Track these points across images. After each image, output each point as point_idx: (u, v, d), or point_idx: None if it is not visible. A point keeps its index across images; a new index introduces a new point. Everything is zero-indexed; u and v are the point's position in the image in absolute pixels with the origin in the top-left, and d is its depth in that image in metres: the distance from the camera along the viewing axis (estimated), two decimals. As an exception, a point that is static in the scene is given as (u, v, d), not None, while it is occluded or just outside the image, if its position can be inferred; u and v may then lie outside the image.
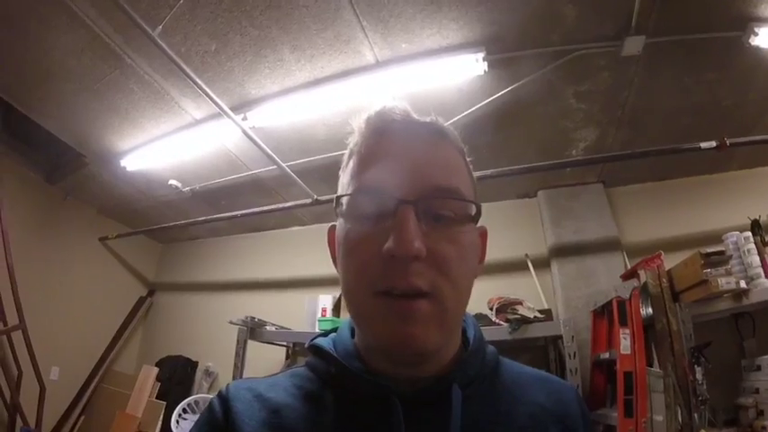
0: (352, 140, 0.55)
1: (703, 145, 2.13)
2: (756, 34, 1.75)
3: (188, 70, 1.83)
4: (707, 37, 1.81)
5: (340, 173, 0.56)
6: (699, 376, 1.69)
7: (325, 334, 0.61)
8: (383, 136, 0.52)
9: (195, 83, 1.87)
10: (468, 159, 0.56)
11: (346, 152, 0.56)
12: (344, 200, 0.51)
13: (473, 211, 0.51)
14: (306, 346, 0.60)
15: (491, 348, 0.59)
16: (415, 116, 0.55)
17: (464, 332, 0.58)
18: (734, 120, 2.29)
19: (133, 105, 2.29)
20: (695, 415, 1.65)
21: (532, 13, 1.74)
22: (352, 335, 0.57)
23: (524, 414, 0.53)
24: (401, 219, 0.46)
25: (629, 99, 2.16)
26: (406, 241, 0.44)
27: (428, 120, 0.55)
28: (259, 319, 2.37)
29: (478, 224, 0.53)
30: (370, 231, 0.48)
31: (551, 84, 2.04)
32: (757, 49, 1.80)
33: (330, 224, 0.58)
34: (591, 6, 1.72)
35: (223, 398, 0.54)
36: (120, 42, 1.93)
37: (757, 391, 1.84)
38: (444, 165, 0.51)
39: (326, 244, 0.59)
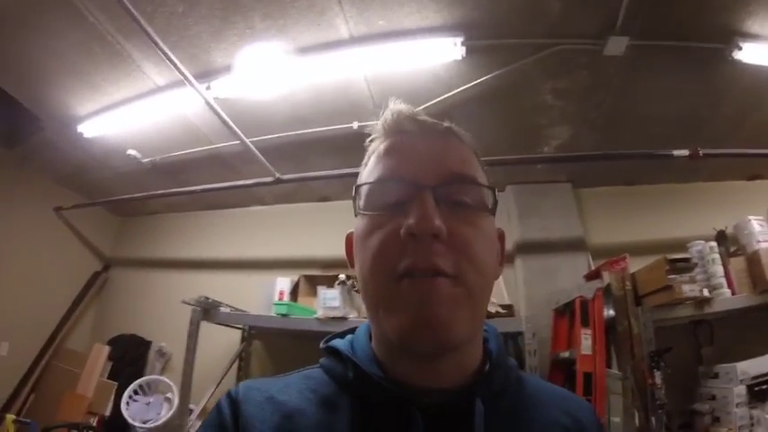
0: (371, 144, 0.57)
1: (676, 152, 2.14)
2: (740, 48, 1.75)
3: (151, 32, 1.71)
4: (690, 45, 1.80)
5: (358, 176, 0.57)
6: (658, 380, 1.69)
7: (341, 335, 0.60)
8: (399, 134, 0.54)
9: (158, 46, 1.75)
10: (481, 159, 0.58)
11: (365, 155, 0.58)
12: (363, 190, 0.52)
13: (490, 201, 0.52)
14: (321, 347, 0.58)
15: (513, 361, 0.58)
16: (428, 118, 0.56)
17: (485, 343, 0.56)
18: (708, 131, 2.30)
19: (94, 67, 2.14)
20: (653, 418, 1.66)
21: (517, 1, 1.69)
22: (369, 339, 0.56)
23: None
24: (420, 200, 0.46)
25: (606, 101, 2.14)
26: (426, 217, 0.44)
27: (441, 122, 0.57)
28: (214, 300, 2.27)
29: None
30: (389, 217, 0.48)
31: (529, 77, 1.99)
32: (739, 63, 1.80)
33: (348, 231, 0.58)
34: (577, 1, 1.68)
35: (233, 399, 0.52)
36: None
37: (714, 398, 1.88)
38: (458, 155, 0.53)
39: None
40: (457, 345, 0.47)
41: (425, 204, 0.45)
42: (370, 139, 0.58)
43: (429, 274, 0.44)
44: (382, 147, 0.54)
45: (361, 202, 0.52)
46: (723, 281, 1.92)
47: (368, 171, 0.55)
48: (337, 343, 0.56)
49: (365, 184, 0.52)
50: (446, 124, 0.56)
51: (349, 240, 0.57)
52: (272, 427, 0.48)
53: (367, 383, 0.50)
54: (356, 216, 0.53)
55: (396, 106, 0.56)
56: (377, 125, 0.56)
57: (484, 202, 0.51)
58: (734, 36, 1.75)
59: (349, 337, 0.58)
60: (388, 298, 0.47)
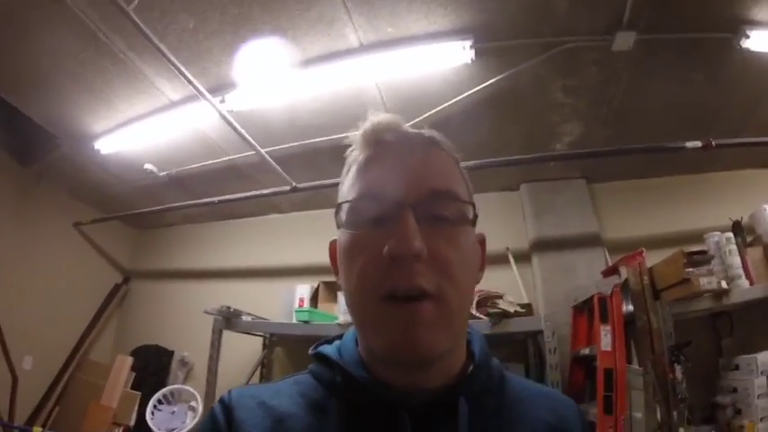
0: (351, 154, 0.57)
1: (688, 144, 2.12)
2: (748, 37, 1.74)
3: (163, 48, 1.74)
4: (698, 37, 1.79)
5: (339, 186, 0.58)
6: (678, 374, 1.69)
7: (329, 342, 0.61)
8: (379, 146, 0.54)
9: (171, 62, 1.78)
10: (462, 166, 0.58)
11: (345, 165, 0.58)
12: (344, 207, 0.53)
13: (470, 213, 0.52)
14: (310, 353, 0.60)
15: (496, 362, 0.59)
16: (409, 128, 0.57)
17: (468, 345, 0.58)
18: (720, 122, 2.29)
19: (108, 85, 2.18)
20: (674, 413, 1.65)
21: (524, 2, 1.70)
22: (356, 344, 0.57)
23: (528, 430, 0.53)
24: (401, 221, 0.46)
25: (617, 96, 2.14)
26: (407, 240, 0.45)
27: (421, 131, 0.57)
28: (235, 309, 2.31)
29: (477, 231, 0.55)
30: (370, 235, 0.48)
31: (539, 76, 2.00)
32: (747, 51, 1.79)
33: (332, 238, 0.58)
34: (584, -2, 1.69)
35: (225, 405, 0.53)
36: (95, 19, 1.83)
37: (735, 390, 1.86)
38: (439, 169, 0.53)
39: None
40: (439, 358, 0.49)
41: (406, 225, 0.46)
42: (350, 149, 0.57)
43: (413, 295, 0.45)
44: (362, 158, 0.54)
45: (343, 217, 0.52)
46: (741, 271, 1.90)
47: (348, 185, 0.55)
48: (325, 349, 0.58)
49: (346, 202, 0.53)
50: (428, 134, 0.56)
51: (333, 248, 0.58)
52: (264, 431, 0.50)
53: (354, 387, 0.51)
54: (338, 229, 0.54)
55: (376, 117, 0.56)
56: (356, 134, 0.56)
57: (464, 216, 0.52)
58: (741, 25, 1.74)
59: (336, 342, 0.59)
60: (373, 318, 0.48)
